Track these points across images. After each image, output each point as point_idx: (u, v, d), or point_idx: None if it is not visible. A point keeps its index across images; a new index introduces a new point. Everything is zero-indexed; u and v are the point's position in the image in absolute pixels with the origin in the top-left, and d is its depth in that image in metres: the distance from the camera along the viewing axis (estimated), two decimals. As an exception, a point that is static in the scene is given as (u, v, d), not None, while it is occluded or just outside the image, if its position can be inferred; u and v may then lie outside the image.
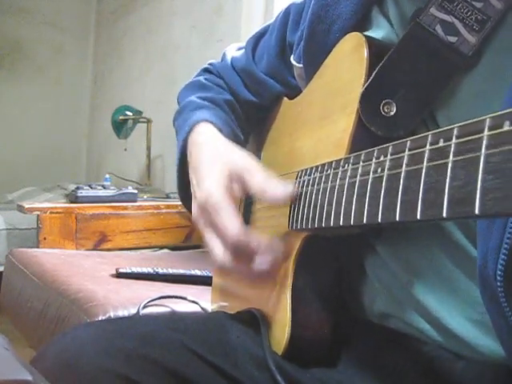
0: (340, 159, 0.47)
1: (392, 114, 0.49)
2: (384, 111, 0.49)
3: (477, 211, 0.29)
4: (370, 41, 0.52)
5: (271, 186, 0.54)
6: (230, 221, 0.53)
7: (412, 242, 0.51)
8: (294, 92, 0.71)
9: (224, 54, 0.83)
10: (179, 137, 0.70)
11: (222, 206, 0.54)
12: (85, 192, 1.72)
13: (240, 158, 0.59)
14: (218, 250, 0.54)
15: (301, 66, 0.66)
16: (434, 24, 0.48)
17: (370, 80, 0.50)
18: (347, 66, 0.55)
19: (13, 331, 1.41)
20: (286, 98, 0.74)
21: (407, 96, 0.49)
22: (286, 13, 0.72)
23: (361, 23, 0.57)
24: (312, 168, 0.53)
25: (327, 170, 0.49)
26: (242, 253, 0.53)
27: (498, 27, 0.46)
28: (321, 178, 0.50)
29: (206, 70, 0.83)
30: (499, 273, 0.40)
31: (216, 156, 0.61)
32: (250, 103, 0.77)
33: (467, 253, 0.47)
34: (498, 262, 0.40)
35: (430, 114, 0.50)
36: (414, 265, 0.51)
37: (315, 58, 0.62)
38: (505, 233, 0.40)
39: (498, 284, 0.41)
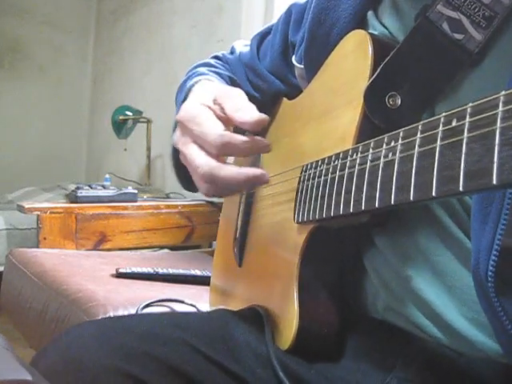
0: (348, 149, 0.47)
1: (397, 106, 0.50)
2: (389, 103, 0.50)
3: (494, 181, 0.29)
4: (374, 37, 0.53)
5: (246, 108, 0.54)
6: (210, 127, 0.53)
7: (411, 237, 0.51)
8: (294, 91, 0.71)
9: (233, 47, 0.84)
10: (179, 95, 0.70)
11: (202, 117, 0.54)
12: (85, 192, 1.72)
13: (227, 87, 0.60)
14: (201, 159, 0.53)
15: (302, 66, 0.67)
16: (440, 21, 0.48)
17: (376, 74, 0.50)
18: (351, 63, 0.55)
19: (13, 331, 1.40)
20: (285, 99, 0.75)
21: (412, 90, 0.50)
22: (288, 13, 0.74)
23: (359, 26, 0.58)
24: (318, 161, 0.53)
25: (334, 161, 0.49)
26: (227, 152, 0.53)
27: (505, 24, 0.46)
28: (328, 169, 0.50)
29: (215, 57, 0.85)
30: (490, 273, 0.41)
31: (205, 90, 0.61)
32: (251, 98, 0.78)
33: (465, 249, 0.47)
34: (488, 262, 0.41)
35: (432, 109, 0.50)
36: (413, 260, 0.51)
37: (316, 60, 0.63)
38: (496, 233, 0.40)
39: (490, 285, 0.41)
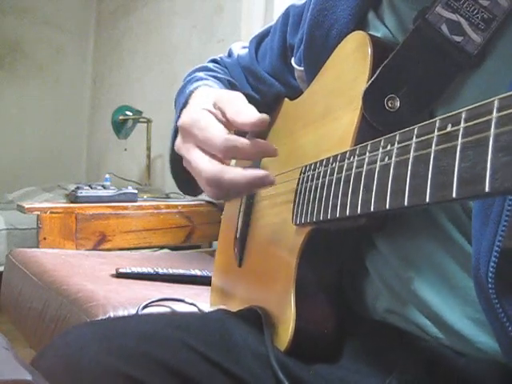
0: (345, 151, 0.47)
1: (396, 109, 0.50)
2: (388, 106, 0.50)
3: (487, 189, 0.29)
4: (374, 39, 0.53)
5: (246, 110, 0.54)
6: (215, 131, 0.53)
7: (412, 239, 0.51)
8: (295, 93, 0.71)
9: (230, 50, 0.84)
10: (179, 101, 0.70)
11: (205, 121, 0.54)
12: (85, 192, 1.72)
13: (226, 91, 0.60)
14: (205, 163, 0.53)
15: (301, 68, 0.67)
16: (439, 23, 0.48)
17: (375, 76, 0.50)
18: (351, 64, 0.55)
19: (13, 331, 1.40)
20: (286, 99, 0.75)
21: (411, 92, 0.50)
22: (286, 15, 0.74)
23: (358, 27, 0.58)
24: (316, 163, 0.53)
25: (332, 164, 0.49)
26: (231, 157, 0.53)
27: (504, 26, 0.46)
28: (326, 171, 0.50)
29: (213, 61, 0.85)
30: (490, 275, 0.41)
31: (205, 95, 0.61)
32: (252, 100, 0.78)
33: (465, 251, 0.47)
34: (489, 263, 0.41)
35: (432, 111, 0.50)
36: (415, 262, 0.51)
37: (315, 62, 0.63)
38: (496, 235, 0.40)
39: (490, 286, 0.41)
